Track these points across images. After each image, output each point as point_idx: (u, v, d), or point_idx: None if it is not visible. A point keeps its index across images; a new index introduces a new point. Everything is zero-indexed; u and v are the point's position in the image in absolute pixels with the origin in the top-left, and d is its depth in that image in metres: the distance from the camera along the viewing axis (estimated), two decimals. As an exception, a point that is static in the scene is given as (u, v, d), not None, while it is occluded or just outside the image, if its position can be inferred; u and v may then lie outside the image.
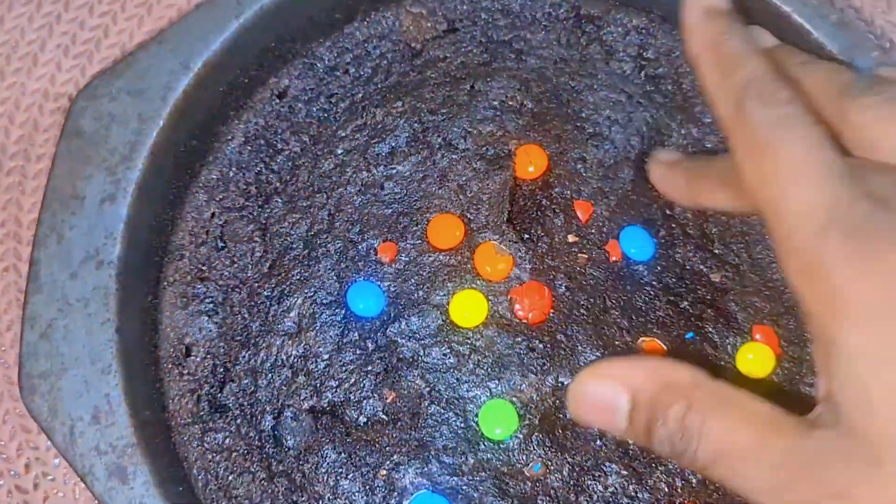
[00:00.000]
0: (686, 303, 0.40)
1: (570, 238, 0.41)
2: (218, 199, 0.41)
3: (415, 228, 0.41)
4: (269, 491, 0.38)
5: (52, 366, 0.37)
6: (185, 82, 0.40)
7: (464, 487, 0.38)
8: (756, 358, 0.39)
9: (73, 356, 0.37)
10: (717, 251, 0.41)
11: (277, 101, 0.43)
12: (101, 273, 0.38)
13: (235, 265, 0.41)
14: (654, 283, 0.40)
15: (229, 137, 0.42)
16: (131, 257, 0.38)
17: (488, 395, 0.39)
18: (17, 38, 0.48)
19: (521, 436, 0.38)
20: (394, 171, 0.42)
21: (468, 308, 0.39)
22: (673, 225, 0.41)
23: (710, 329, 0.40)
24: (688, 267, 0.41)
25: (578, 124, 0.42)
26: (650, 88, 0.43)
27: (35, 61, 0.47)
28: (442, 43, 0.44)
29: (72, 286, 0.38)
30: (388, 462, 0.38)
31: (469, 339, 0.39)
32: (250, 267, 0.41)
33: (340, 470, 0.38)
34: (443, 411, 0.39)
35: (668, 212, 0.41)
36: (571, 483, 0.38)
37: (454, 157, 0.42)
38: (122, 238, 0.38)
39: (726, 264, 0.41)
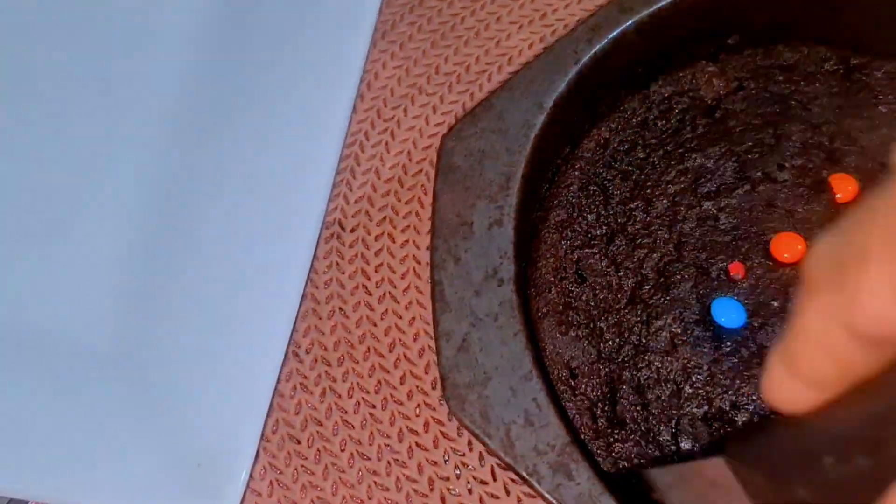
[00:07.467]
0: None
1: (894, 251, 0.44)
2: (568, 238, 0.44)
3: (757, 249, 0.43)
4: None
5: (476, 376, 0.37)
6: (541, 119, 0.42)
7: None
8: None
9: (493, 366, 0.38)
10: None
11: (602, 150, 0.46)
12: (504, 289, 0.39)
13: (598, 296, 0.43)
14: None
15: (568, 183, 0.45)
16: (518, 278, 0.40)
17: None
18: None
19: None
20: (724, 204, 0.45)
21: (829, 312, 0.42)
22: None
23: None
24: None
25: (871, 156, 0.47)
26: (920, 125, 0.48)
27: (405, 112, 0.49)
28: (734, 99, 0.48)
29: (478, 303, 0.39)
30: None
31: (835, 340, 0.42)
32: (611, 297, 0.43)
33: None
34: (829, 407, 0.40)
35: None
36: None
37: (776, 187, 0.45)
38: (514, 258, 0.40)
39: None
